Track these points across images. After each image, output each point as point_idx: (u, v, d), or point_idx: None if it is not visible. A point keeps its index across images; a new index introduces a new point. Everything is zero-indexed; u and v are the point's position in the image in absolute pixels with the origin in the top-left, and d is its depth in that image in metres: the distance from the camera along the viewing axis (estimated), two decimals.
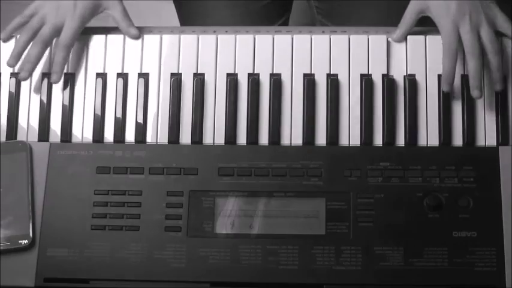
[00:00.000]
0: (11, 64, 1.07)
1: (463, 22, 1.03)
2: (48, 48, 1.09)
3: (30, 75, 1.06)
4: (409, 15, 1.06)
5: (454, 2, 1.03)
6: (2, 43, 1.10)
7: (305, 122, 1.05)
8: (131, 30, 1.09)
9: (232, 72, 1.08)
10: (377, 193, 1.01)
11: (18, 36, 1.09)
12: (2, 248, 1.00)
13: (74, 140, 1.06)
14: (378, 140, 1.05)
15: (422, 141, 1.05)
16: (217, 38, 1.09)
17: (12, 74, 1.09)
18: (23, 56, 1.07)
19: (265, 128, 1.06)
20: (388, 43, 1.08)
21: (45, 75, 1.08)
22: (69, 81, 1.08)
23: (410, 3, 1.07)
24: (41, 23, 1.07)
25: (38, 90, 1.08)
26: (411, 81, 1.06)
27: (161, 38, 1.09)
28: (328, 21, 1.30)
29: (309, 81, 1.06)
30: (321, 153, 1.03)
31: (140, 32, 1.09)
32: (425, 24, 1.07)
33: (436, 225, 1.00)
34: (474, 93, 1.03)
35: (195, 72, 1.08)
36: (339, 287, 0.98)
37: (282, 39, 1.09)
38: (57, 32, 1.07)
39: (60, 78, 1.06)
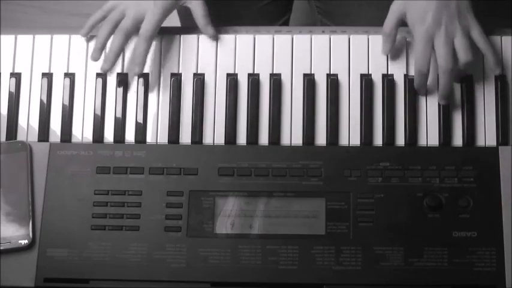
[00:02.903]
0: (96, 58, 1.07)
1: (438, 33, 1.02)
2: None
3: (112, 65, 1.07)
4: (391, 23, 1.05)
5: (431, 11, 1.02)
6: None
7: (305, 122, 1.05)
8: (209, 29, 1.08)
9: (232, 72, 1.08)
10: (377, 193, 1.01)
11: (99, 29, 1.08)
12: (2, 248, 1.00)
13: (74, 140, 1.06)
14: (378, 140, 1.05)
15: (422, 141, 1.05)
16: (217, 38, 1.09)
17: (12, 74, 1.09)
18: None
19: (265, 128, 1.06)
20: None
21: (45, 75, 1.08)
22: (70, 81, 1.08)
23: (389, 10, 1.05)
24: (121, 16, 1.07)
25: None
26: (411, 81, 1.06)
27: (161, 38, 1.09)
28: (329, 21, 1.30)
29: (309, 81, 1.06)
30: (321, 153, 1.03)
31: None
32: None
33: (436, 225, 1.00)
34: (441, 101, 1.04)
35: (195, 72, 1.08)
36: (339, 287, 0.99)
37: (282, 39, 1.09)
38: (138, 23, 1.06)
39: (142, 70, 1.06)
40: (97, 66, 1.08)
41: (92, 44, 1.09)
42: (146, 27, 1.06)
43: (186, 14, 1.11)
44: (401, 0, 1.05)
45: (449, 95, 1.04)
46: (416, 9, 1.03)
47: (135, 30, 1.07)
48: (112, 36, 1.07)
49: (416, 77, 1.04)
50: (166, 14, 1.07)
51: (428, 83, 1.05)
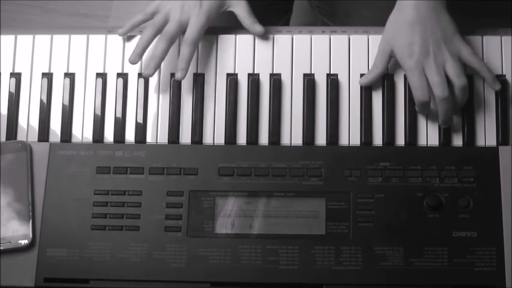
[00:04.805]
0: (134, 61, 1.06)
1: (428, 62, 1.01)
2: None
3: (155, 71, 1.06)
4: (380, 59, 1.05)
5: (417, 42, 1.02)
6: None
7: (305, 122, 1.05)
8: (256, 27, 1.08)
9: (232, 72, 1.08)
10: (377, 193, 1.01)
11: (140, 33, 1.08)
12: (2, 248, 1.00)
13: (74, 140, 1.06)
14: (378, 140, 1.05)
15: (422, 141, 1.05)
16: (217, 38, 1.09)
17: (12, 74, 1.09)
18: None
19: (265, 128, 1.06)
20: None
21: (45, 75, 1.08)
22: (70, 81, 1.08)
23: (378, 50, 1.06)
24: (164, 20, 1.06)
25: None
26: None
27: None
28: (330, 21, 1.30)
29: (309, 81, 1.07)
30: (321, 153, 1.03)
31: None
32: None
33: (436, 225, 1.00)
34: (443, 126, 1.03)
35: (195, 72, 1.08)
36: (339, 287, 0.99)
37: (282, 39, 1.09)
38: (182, 28, 1.06)
39: (185, 75, 1.05)
40: (97, 66, 1.09)
41: (131, 43, 1.09)
42: (191, 32, 1.05)
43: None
44: (386, 38, 1.05)
45: (451, 121, 1.03)
46: (402, 43, 1.03)
47: (179, 34, 1.06)
48: (155, 41, 1.06)
49: (418, 106, 1.03)
50: (211, 18, 1.07)
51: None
